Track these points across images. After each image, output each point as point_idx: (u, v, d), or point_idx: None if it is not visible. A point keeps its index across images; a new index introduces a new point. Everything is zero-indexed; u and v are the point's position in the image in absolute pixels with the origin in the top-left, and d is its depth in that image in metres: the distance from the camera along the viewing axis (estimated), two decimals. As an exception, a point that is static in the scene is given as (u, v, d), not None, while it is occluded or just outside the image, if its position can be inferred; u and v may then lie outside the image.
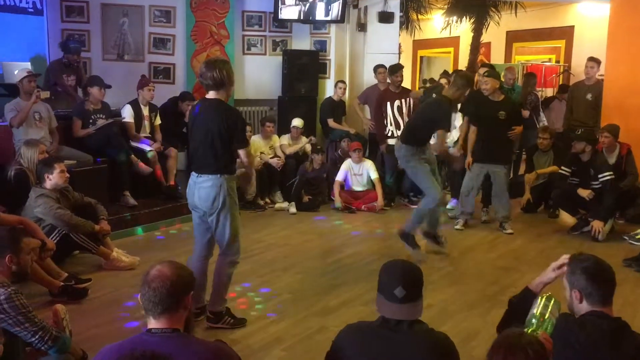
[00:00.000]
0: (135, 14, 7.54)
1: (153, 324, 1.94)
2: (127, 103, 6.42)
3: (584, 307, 2.24)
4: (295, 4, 7.95)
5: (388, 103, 6.98)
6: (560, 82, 11.71)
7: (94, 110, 6.12)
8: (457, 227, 6.23)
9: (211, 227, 3.63)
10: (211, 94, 3.55)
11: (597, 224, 5.77)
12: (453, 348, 2.20)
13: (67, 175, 4.62)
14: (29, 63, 6.49)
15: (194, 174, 3.60)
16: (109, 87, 6.23)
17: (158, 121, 6.70)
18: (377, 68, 7.83)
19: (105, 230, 4.75)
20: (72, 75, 6.65)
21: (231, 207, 3.57)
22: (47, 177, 4.50)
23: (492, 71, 6.44)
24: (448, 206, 6.73)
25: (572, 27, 11.82)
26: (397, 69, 7.16)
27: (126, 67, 7.42)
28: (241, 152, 3.58)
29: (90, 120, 6.09)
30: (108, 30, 7.40)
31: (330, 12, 8.13)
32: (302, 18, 8.09)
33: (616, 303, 4.29)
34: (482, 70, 6.45)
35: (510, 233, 6.04)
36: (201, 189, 3.53)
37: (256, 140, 7.09)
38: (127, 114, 6.37)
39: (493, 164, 6.07)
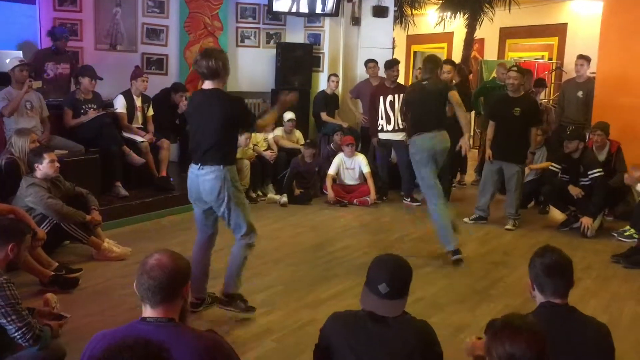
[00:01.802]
0: (128, 3, 7.48)
1: (149, 312, 1.93)
2: (120, 93, 6.39)
3: (537, 296, 2.33)
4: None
5: (381, 97, 6.99)
6: (553, 80, 11.78)
7: (85, 100, 6.09)
8: (467, 220, 6.31)
9: (224, 219, 3.62)
10: (207, 84, 3.53)
11: (586, 220, 5.83)
12: (434, 334, 2.27)
13: (58, 165, 4.60)
14: (21, 52, 6.43)
15: (194, 166, 3.56)
16: (101, 79, 6.18)
17: (151, 112, 6.68)
18: (368, 62, 7.84)
19: (97, 220, 4.74)
20: (63, 63, 6.59)
21: (237, 196, 3.56)
22: (37, 167, 4.48)
23: (520, 67, 6.46)
24: None
25: (565, 24, 11.86)
26: (393, 63, 7.17)
27: (119, 57, 7.37)
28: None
29: (82, 110, 6.05)
30: (101, 19, 7.34)
31: (324, 6, 8.12)
32: (296, 11, 8.08)
33: (604, 298, 4.38)
34: (445, 67, 6.35)
35: (508, 229, 6.06)
36: (205, 181, 3.50)
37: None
38: (120, 105, 6.34)
39: (505, 161, 6.06)
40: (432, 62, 5.18)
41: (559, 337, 2.16)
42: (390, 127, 6.96)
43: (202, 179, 3.51)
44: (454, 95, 5.02)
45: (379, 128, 7.03)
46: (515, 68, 6.19)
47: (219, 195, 3.49)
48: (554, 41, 12.26)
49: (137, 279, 1.95)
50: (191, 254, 3.77)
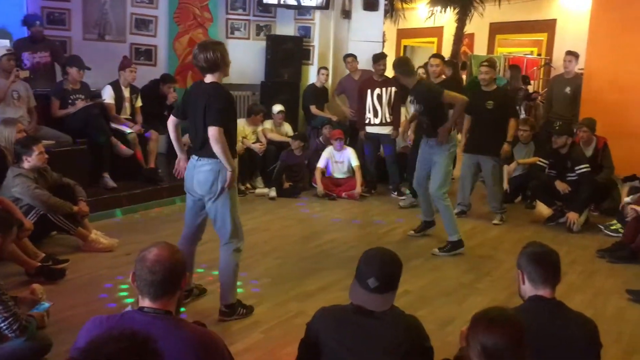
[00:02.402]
0: (117, -7, 7.42)
1: (147, 303, 1.93)
2: (108, 84, 6.35)
3: (527, 289, 2.35)
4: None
5: (369, 91, 7.00)
6: (541, 76, 11.84)
7: (73, 90, 6.04)
8: None
9: (209, 215, 3.60)
10: (208, 78, 3.48)
11: (572, 216, 5.88)
12: (422, 329, 2.28)
13: (46, 156, 4.57)
14: (8, 41, 6.37)
15: (193, 157, 3.56)
16: (89, 68, 6.13)
17: (139, 103, 6.64)
18: (346, 57, 7.86)
19: (84, 211, 4.72)
20: (41, 51, 6.46)
21: (230, 193, 3.54)
22: (26, 159, 4.44)
23: (492, 61, 6.46)
24: (402, 203, 6.70)
25: (554, 20, 11.92)
26: (379, 57, 7.17)
27: (107, 47, 7.30)
28: (210, 130, 3.31)
29: (69, 101, 6.01)
30: (89, 9, 7.26)
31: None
32: (286, 3, 8.05)
33: (588, 292, 4.43)
34: (434, 61, 6.34)
35: (496, 224, 6.09)
36: (200, 172, 3.49)
37: (241, 125, 7.03)
38: (108, 95, 6.29)
39: (481, 154, 6.11)
40: (405, 65, 5.21)
41: (546, 331, 2.19)
42: (377, 121, 6.98)
43: (198, 170, 3.51)
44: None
45: (366, 122, 7.04)
46: (486, 63, 6.19)
47: (211, 188, 3.48)
48: (543, 37, 12.32)
49: (136, 273, 1.95)
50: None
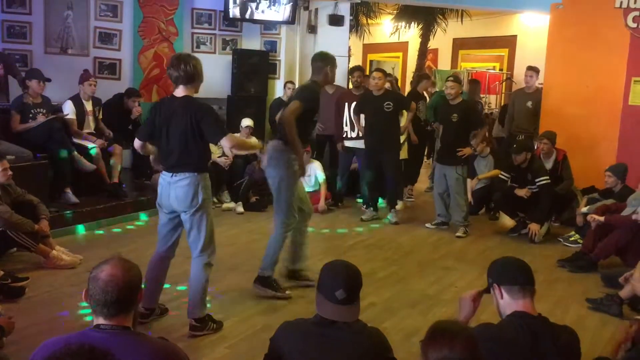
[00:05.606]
0: (80, 7, 7.33)
1: (102, 321, 1.88)
2: (69, 99, 6.25)
3: (506, 303, 2.30)
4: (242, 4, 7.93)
5: (346, 104, 7.04)
6: (503, 90, 12.12)
7: (34, 104, 5.93)
8: (429, 225, 6.49)
9: (185, 228, 3.57)
10: (180, 90, 3.47)
11: (534, 227, 6.00)
12: (386, 341, 2.29)
13: (10, 173, 4.53)
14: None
15: (166, 174, 3.51)
16: (49, 80, 6.02)
17: (100, 115, 6.54)
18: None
19: (44, 231, 4.62)
20: None
21: (207, 206, 3.53)
22: None
23: (457, 75, 6.62)
24: (364, 216, 6.71)
25: (515, 36, 12.24)
26: (352, 70, 7.29)
27: (70, 61, 7.21)
28: (224, 142, 3.45)
29: (30, 115, 5.89)
30: (51, 22, 7.17)
31: (281, 13, 8.15)
32: (252, 18, 8.08)
33: (549, 301, 4.51)
34: (376, 74, 6.44)
35: (459, 237, 6.14)
36: (178, 188, 3.45)
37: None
38: (69, 110, 6.19)
39: (446, 165, 6.25)
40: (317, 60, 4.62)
41: (536, 350, 2.18)
42: (354, 134, 6.99)
43: (175, 185, 3.46)
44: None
45: (344, 135, 7.07)
46: (451, 78, 6.35)
47: (192, 202, 3.45)
48: (504, 52, 12.63)
49: (88, 291, 1.89)
50: (142, 260, 3.71)
